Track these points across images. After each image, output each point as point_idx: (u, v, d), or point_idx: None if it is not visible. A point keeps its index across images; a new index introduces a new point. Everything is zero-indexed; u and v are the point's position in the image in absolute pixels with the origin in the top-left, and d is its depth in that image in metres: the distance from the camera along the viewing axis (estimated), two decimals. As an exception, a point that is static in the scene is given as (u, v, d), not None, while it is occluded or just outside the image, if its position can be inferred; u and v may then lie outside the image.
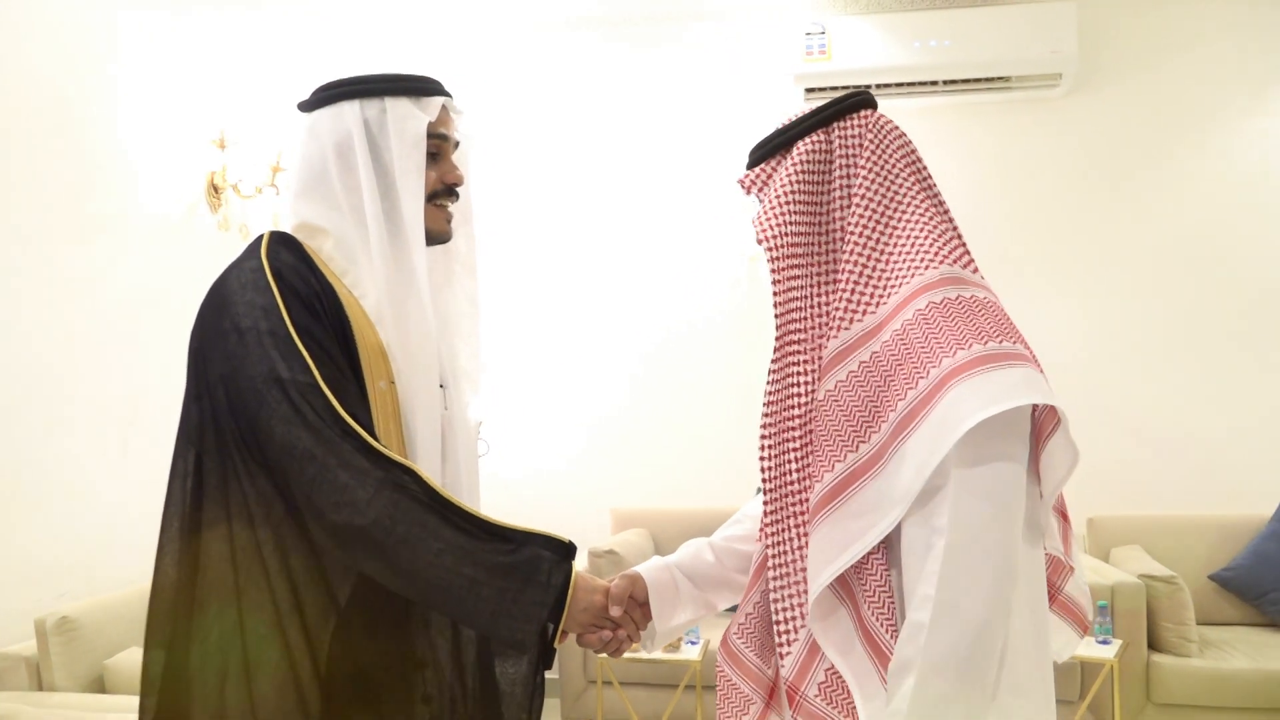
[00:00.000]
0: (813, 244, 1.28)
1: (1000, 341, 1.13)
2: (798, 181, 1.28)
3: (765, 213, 1.28)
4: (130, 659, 2.82)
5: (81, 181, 3.19)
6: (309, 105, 1.46)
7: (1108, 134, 4.52)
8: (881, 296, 1.23)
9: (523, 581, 1.26)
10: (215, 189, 3.74)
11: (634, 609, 1.49)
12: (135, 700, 2.52)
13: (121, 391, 3.29)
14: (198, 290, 1.39)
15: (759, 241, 1.29)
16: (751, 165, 1.35)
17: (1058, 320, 4.49)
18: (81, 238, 3.18)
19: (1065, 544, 1.41)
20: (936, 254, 1.22)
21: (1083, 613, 1.44)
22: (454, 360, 1.52)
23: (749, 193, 1.36)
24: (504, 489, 4.15)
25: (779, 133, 1.33)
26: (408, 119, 1.40)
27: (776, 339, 1.28)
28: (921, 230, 1.24)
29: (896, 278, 1.23)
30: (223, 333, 1.29)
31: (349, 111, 1.40)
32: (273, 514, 1.27)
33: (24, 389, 2.95)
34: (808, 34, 4.45)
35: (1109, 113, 4.51)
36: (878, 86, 4.47)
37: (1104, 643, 3.49)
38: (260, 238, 1.39)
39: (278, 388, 1.24)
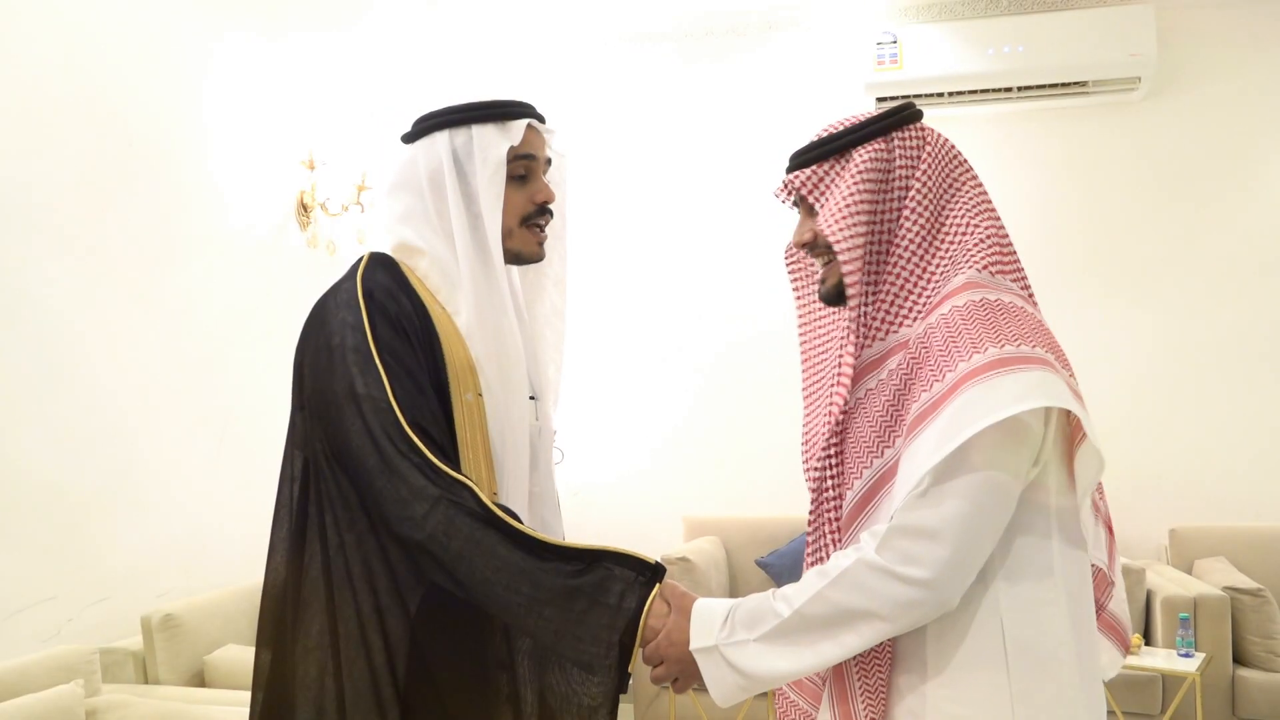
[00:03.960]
0: (867, 253, 1.26)
1: (1019, 345, 1.11)
2: (860, 188, 1.25)
3: (831, 215, 1.25)
4: (228, 655, 2.97)
5: (173, 203, 3.33)
6: (409, 137, 1.54)
7: (1186, 139, 4.41)
8: (921, 311, 1.24)
9: (589, 603, 1.24)
10: (304, 208, 3.90)
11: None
12: (233, 694, 2.70)
13: (215, 402, 3.44)
14: (287, 306, 1.49)
15: (826, 244, 1.27)
16: (799, 167, 1.31)
17: (1136, 328, 4.41)
18: (174, 257, 3.32)
19: (1110, 558, 1.38)
20: (967, 261, 1.22)
21: (1125, 631, 1.41)
22: (542, 372, 1.58)
23: (796, 194, 1.33)
24: (575, 497, 4.25)
25: (833, 138, 1.29)
26: (491, 145, 1.46)
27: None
28: (960, 244, 1.24)
29: (935, 291, 1.23)
30: (317, 349, 1.39)
31: (440, 141, 1.47)
32: (356, 522, 1.35)
33: (125, 402, 3.11)
34: (879, 44, 4.47)
35: (1187, 118, 4.41)
36: (950, 94, 4.44)
37: (1186, 655, 3.41)
38: (360, 259, 1.48)
39: (353, 403, 1.32)
